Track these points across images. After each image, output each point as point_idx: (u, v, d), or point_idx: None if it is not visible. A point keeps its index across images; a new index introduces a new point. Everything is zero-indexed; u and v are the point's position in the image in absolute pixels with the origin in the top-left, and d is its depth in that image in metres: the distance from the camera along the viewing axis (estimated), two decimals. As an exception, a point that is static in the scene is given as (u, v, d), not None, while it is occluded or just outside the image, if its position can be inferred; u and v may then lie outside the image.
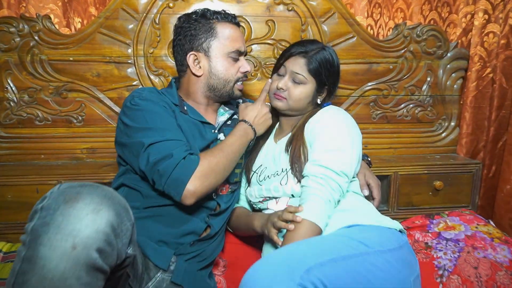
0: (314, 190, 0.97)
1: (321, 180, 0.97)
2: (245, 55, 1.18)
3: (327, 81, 1.15)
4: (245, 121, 1.11)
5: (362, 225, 0.95)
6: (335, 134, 1.05)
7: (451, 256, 1.15)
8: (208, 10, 1.12)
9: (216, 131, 1.14)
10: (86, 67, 1.50)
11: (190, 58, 1.11)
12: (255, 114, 1.13)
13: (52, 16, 1.56)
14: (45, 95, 1.51)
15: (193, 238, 1.04)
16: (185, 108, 1.11)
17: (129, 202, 1.02)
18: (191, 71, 1.12)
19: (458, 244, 1.21)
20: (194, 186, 0.93)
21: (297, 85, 1.12)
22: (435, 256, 1.17)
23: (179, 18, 1.14)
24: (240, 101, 1.27)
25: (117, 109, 1.54)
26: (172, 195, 0.95)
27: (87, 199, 0.69)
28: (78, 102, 1.52)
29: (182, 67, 1.15)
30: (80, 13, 1.67)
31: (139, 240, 0.96)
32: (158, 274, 0.96)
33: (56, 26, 1.53)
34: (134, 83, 1.54)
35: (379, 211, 1.15)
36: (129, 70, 1.53)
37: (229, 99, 1.20)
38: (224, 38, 1.10)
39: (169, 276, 0.98)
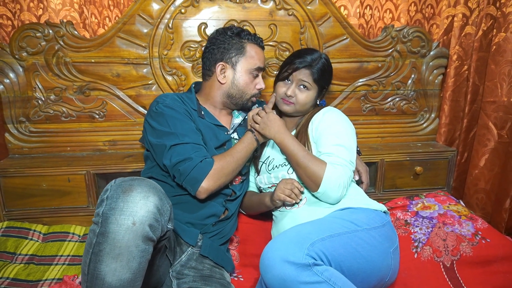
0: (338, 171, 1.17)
1: (340, 167, 1.17)
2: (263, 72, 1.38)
3: (325, 85, 1.36)
4: (252, 131, 1.28)
5: (354, 208, 1.17)
6: (339, 132, 1.25)
7: (425, 231, 1.40)
8: (242, 30, 1.33)
9: (229, 133, 1.35)
10: (107, 68, 1.66)
11: (219, 68, 1.31)
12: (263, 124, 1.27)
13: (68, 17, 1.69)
14: (70, 93, 1.67)
15: (215, 220, 1.26)
16: (202, 112, 1.31)
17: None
18: (217, 78, 1.31)
19: (432, 221, 1.45)
20: (208, 184, 1.15)
21: (303, 91, 1.32)
22: (412, 231, 1.41)
23: (217, 31, 1.35)
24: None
25: (135, 106, 1.72)
26: (189, 190, 1.17)
27: (138, 189, 0.90)
28: (100, 100, 1.69)
29: (208, 72, 1.34)
30: (96, 16, 1.79)
31: (171, 223, 1.17)
32: (189, 249, 1.19)
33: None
34: (150, 82, 1.71)
35: (368, 193, 1.37)
36: (145, 70, 1.69)
37: (242, 108, 1.40)
38: (250, 56, 1.31)
39: (197, 250, 1.20)
